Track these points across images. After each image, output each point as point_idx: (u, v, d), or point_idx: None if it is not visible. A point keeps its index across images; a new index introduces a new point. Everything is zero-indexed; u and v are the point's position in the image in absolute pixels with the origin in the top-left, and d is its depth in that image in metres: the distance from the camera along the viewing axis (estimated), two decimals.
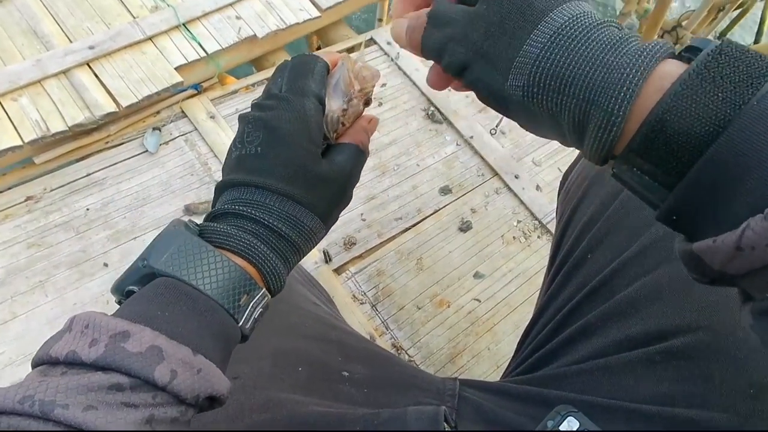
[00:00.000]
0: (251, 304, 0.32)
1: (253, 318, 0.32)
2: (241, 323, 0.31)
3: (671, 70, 0.23)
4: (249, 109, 0.37)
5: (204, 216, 0.36)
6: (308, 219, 0.35)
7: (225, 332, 0.30)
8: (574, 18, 0.26)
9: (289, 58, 0.38)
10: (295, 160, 0.34)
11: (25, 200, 0.98)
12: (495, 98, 0.29)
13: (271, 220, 0.33)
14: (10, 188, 0.99)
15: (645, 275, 0.43)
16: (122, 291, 0.31)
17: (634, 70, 0.23)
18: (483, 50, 0.28)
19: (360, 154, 0.38)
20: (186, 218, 1.10)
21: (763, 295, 0.21)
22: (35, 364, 0.27)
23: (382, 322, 0.96)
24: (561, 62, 0.25)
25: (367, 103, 0.39)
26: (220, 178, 0.36)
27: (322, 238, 0.37)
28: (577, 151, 0.58)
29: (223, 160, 1.06)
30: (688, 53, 0.24)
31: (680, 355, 0.39)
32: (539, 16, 0.26)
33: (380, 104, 1.22)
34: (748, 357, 0.37)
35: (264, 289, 0.33)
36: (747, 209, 0.21)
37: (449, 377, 0.53)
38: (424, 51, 0.31)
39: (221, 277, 0.30)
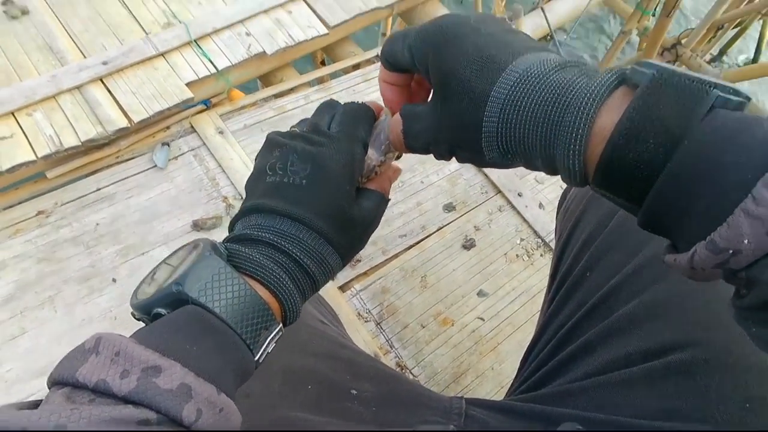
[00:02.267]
0: (268, 339, 0.32)
1: (266, 352, 0.33)
2: (256, 358, 0.32)
3: (608, 121, 0.26)
4: (276, 132, 0.38)
5: (229, 236, 0.36)
6: (332, 258, 0.36)
7: (244, 368, 0.31)
8: (514, 87, 0.28)
9: (331, 97, 0.40)
10: (335, 200, 0.35)
11: (37, 214, 1.00)
12: (484, 165, 0.33)
13: (301, 256, 0.34)
14: (21, 202, 1.01)
15: (642, 293, 0.44)
16: (149, 311, 0.31)
17: (578, 126, 0.26)
18: (457, 142, 0.33)
19: (384, 203, 0.40)
20: (194, 234, 1.10)
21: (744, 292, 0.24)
22: (56, 382, 0.27)
23: (387, 341, 0.97)
24: (517, 134, 0.29)
25: (399, 156, 0.42)
26: (240, 195, 0.37)
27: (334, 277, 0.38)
28: None
29: (230, 176, 1.09)
30: (635, 75, 0.26)
31: (678, 371, 0.40)
32: (483, 98, 0.29)
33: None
34: (744, 372, 0.38)
35: (280, 324, 0.33)
36: (697, 232, 0.23)
37: (455, 396, 0.54)
38: (413, 151, 0.37)
39: (248, 311, 0.31)
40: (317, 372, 0.52)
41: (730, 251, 0.21)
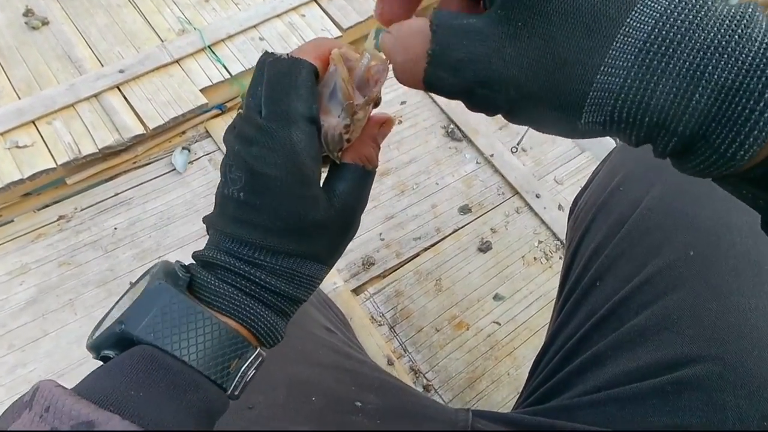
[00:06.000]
0: (243, 368, 0.29)
1: (244, 381, 0.30)
2: (230, 391, 0.29)
3: None
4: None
5: (197, 252, 0.31)
6: (306, 268, 0.31)
7: (209, 408, 0.27)
8: (666, 16, 0.19)
9: (264, 56, 0.28)
10: (285, 211, 0.28)
11: (57, 219, 1.02)
12: (555, 132, 0.23)
13: (262, 277, 0.29)
14: (43, 208, 1.04)
15: (653, 304, 0.43)
16: (98, 353, 0.28)
17: (760, 110, 0.18)
18: (534, 92, 0.21)
19: (365, 176, 0.32)
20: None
21: None
22: None
23: (400, 344, 0.96)
24: (655, 93, 0.19)
25: (377, 104, 0.31)
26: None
27: (325, 277, 0.33)
28: (588, 174, 0.57)
29: None
30: None
31: (692, 386, 0.38)
32: (613, 26, 0.19)
33: (400, 122, 1.23)
34: (760, 388, 0.36)
35: (258, 349, 0.30)
36: None
37: (462, 408, 0.52)
38: (434, 90, 0.23)
39: (209, 343, 0.27)
40: (322, 383, 0.51)
41: None
